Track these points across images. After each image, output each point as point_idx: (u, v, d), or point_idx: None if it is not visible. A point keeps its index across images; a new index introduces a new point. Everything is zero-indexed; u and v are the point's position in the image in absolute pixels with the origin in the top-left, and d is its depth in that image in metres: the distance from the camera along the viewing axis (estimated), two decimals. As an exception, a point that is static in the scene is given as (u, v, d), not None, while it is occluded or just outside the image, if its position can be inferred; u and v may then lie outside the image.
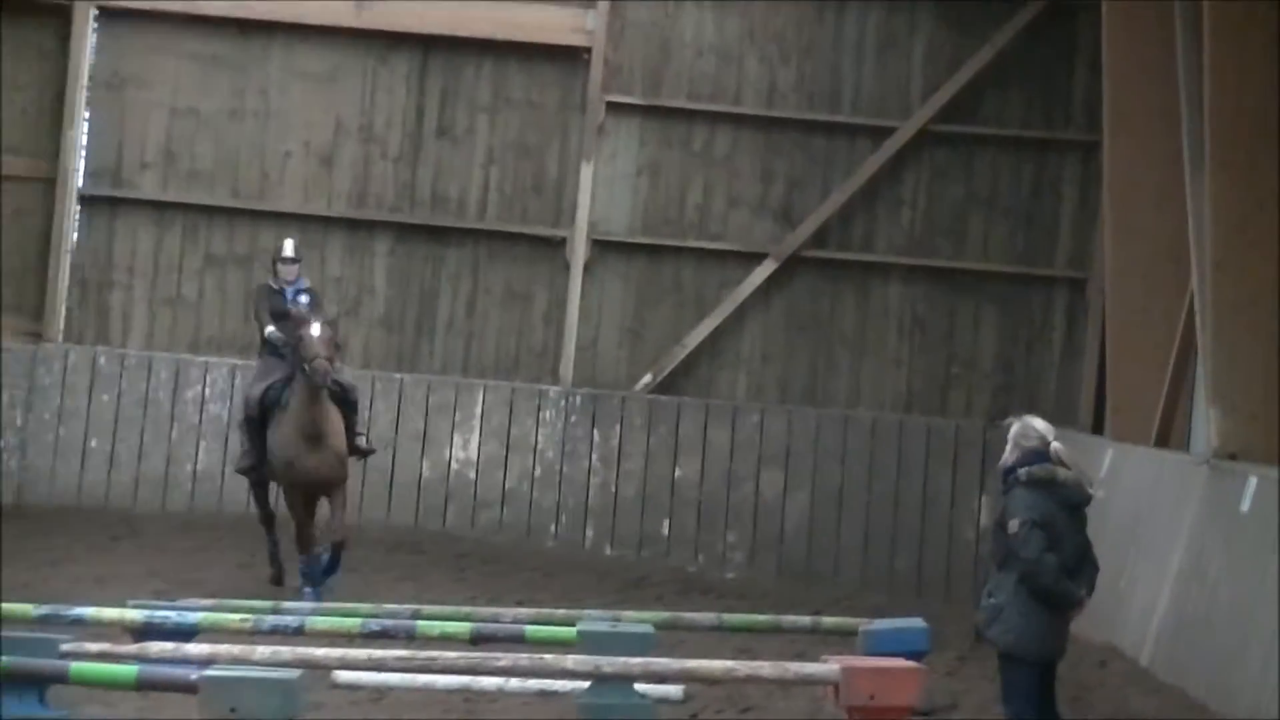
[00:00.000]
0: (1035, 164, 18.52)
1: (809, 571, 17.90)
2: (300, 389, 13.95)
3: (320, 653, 9.34)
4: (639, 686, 9.89)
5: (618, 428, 18.23)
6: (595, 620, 10.99)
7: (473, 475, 18.21)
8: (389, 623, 10.90)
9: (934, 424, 18.15)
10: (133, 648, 9.34)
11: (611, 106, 18.59)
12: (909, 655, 9.47)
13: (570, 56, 18.65)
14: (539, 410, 18.25)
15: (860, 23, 18.54)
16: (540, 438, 18.22)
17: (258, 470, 14.51)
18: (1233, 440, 12.55)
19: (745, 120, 18.65)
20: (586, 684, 9.81)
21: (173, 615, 10.40)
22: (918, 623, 10.71)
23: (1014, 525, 8.84)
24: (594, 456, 18.22)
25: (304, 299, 14.63)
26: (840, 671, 8.57)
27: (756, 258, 18.52)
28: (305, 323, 13.91)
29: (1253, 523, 11.50)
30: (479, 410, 18.27)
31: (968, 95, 18.43)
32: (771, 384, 18.54)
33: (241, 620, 10.54)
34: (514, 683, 10.71)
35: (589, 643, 9.94)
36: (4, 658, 8.60)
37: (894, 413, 18.31)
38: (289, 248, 14.92)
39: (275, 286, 14.84)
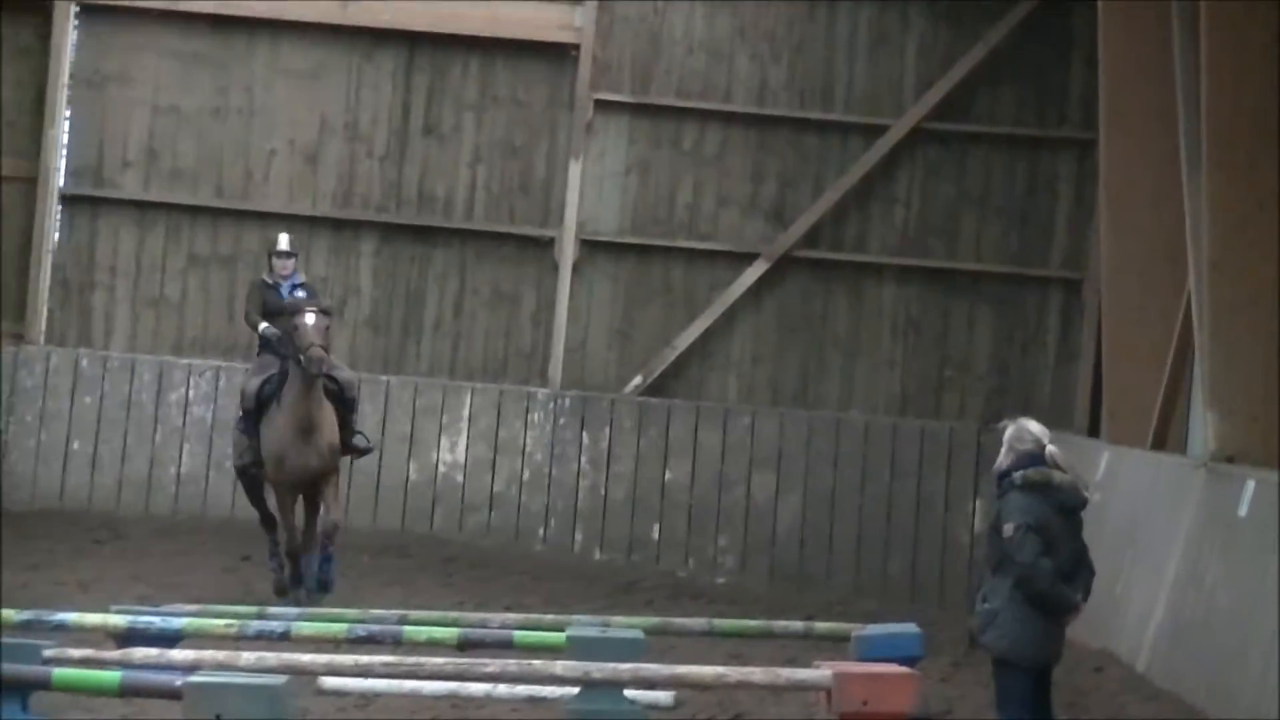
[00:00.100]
0: (1030, 162, 18.41)
1: (801, 576, 17.79)
2: (295, 381, 13.77)
3: (306, 658, 9.38)
4: (628, 692, 9.95)
5: (607, 430, 18.10)
6: (584, 625, 11.10)
7: (460, 478, 18.07)
8: (375, 628, 10.98)
9: (928, 426, 18.04)
10: (116, 653, 9.37)
11: (600, 104, 18.45)
12: (903, 661, 9.60)
13: (558, 54, 18.51)
14: (527, 412, 18.12)
15: (852, 19, 18.42)
16: (529, 440, 18.09)
17: (258, 465, 14.27)
18: (1230, 443, 12.52)
19: (736, 118, 18.52)
20: (575, 690, 9.82)
21: (156, 620, 10.52)
22: (911, 628, 10.80)
23: (1009, 529, 8.79)
24: (583, 459, 18.09)
25: (300, 294, 14.39)
26: (833, 677, 8.58)
27: (748, 258, 18.39)
28: (300, 311, 13.74)
29: (1251, 527, 11.46)
30: (466, 412, 18.13)
31: (961, 93, 18.31)
32: (763, 386, 18.42)
33: (226, 625, 10.67)
34: (502, 689, 10.74)
35: (578, 648, 9.98)
36: (-14, 664, 8.56)
37: (887, 415, 18.20)
38: (284, 241, 14.73)
39: (270, 281, 14.66)
